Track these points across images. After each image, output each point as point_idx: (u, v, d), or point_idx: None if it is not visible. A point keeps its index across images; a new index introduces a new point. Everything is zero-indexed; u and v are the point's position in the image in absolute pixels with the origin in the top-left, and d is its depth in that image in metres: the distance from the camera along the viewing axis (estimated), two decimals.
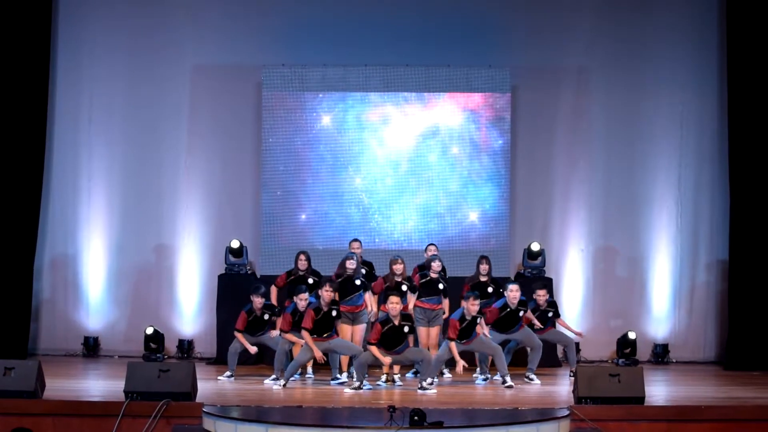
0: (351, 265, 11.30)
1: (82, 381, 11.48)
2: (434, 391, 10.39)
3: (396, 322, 10.49)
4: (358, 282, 11.33)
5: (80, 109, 14.02)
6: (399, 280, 11.28)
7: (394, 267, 11.31)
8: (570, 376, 11.22)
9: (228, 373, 11.34)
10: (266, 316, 11.37)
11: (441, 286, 11.42)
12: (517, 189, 13.93)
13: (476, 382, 11.19)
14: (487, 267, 11.72)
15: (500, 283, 11.75)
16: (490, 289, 11.66)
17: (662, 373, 12.55)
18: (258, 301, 11.29)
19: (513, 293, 11.06)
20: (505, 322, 11.22)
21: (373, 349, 10.52)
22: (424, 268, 11.67)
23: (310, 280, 11.55)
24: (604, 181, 14.00)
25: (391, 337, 10.50)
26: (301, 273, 11.64)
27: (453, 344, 10.64)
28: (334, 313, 10.75)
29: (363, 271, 11.65)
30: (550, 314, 11.66)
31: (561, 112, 14.00)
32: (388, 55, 13.82)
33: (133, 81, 13.99)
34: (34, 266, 13.53)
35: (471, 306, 10.64)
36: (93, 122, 14.03)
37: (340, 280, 11.23)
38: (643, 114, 13.97)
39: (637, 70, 13.95)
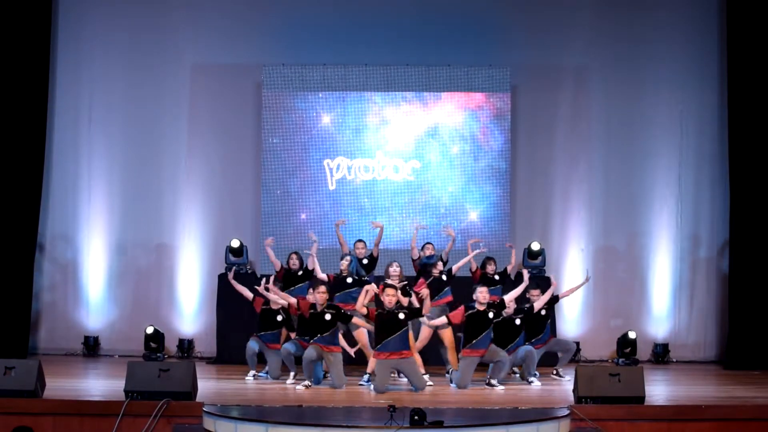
0: (343, 265, 11.56)
1: (82, 380, 11.49)
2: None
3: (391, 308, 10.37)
4: (349, 280, 11.47)
5: (80, 109, 14.03)
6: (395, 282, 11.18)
7: (390, 269, 11.24)
8: (553, 375, 11.47)
9: (252, 372, 11.33)
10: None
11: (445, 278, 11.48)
12: (518, 188, 13.94)
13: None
14: (493, 267, 11.89)
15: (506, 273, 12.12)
16: (497, 277, 11.80)
17: (662, 373, 12.55)
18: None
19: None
20: (502, 332, 10.96)
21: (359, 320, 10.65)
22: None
23: (301, 273, 11.88)
24: (604, 180, 14.01)
25: (386, 322, 10.33)
26: (293, 270, 11.84)
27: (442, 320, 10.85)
28: (327, 317, 10.59)
29: (365, 261, 11.78)
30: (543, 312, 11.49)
31: (561, 112, 14.01)
32: (388, 54, 13.83)
33: (133, 81, 13.99)
34: (35, 266, 13.53)
35: (480, 295, 10.62)
36: (93, 122, 14.03)
37: (335, 277, 11.55)
38: (643, 114, 13.98)
39: (637, 69, 13.96)
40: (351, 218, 13.64)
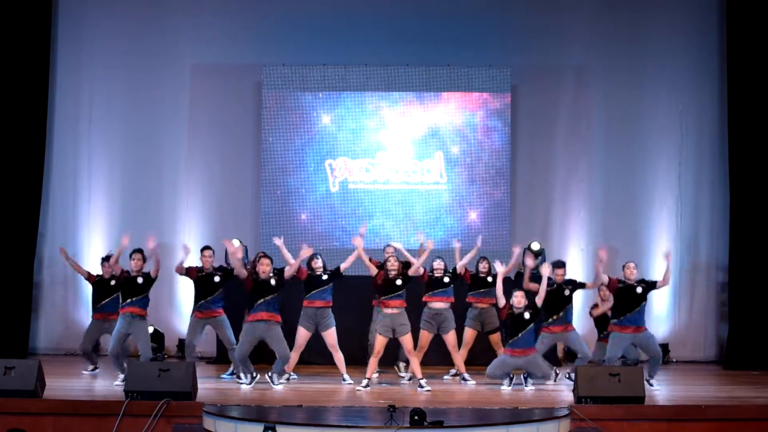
0: (316, 264, 11.10)
1: (82, 380, 11.48)
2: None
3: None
4: (324, 277, 11.07)
5: (80, 109, 14.04)
6: (394, 275, 11.02)
7: (388, 264, 11.07)
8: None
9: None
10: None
11: (447, 279, 11.21)
12: (518, 189, 13.94)
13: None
14: (486, 265, 11.68)
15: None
16: (489, 279, 11.60)
17: (662, 373, 12.50)
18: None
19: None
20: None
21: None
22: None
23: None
24: (604, 180, 14.02)
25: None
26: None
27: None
28: (216, 278, 10.97)
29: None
30: (567, 292, 11.12)
31: (561, 112, 14.02)
32: (388, 55, 13.84)
33: (133, 81, 14.01)
34: (35, 266, 13.55)
35: (515, 299, 10.60)
36: (93, 122, 14.04)
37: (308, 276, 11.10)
38: (643, 114, 13.99)
39: (637, 69, 13.97)
40: (351, 217, 13.65)
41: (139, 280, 10.90)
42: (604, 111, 14.04)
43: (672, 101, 13.99)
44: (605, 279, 10.94)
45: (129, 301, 10.87)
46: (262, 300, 10.56)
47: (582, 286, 11.16)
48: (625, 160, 14.03)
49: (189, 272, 11.10)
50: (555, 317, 10.93)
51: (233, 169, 14.06)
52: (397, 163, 13.71)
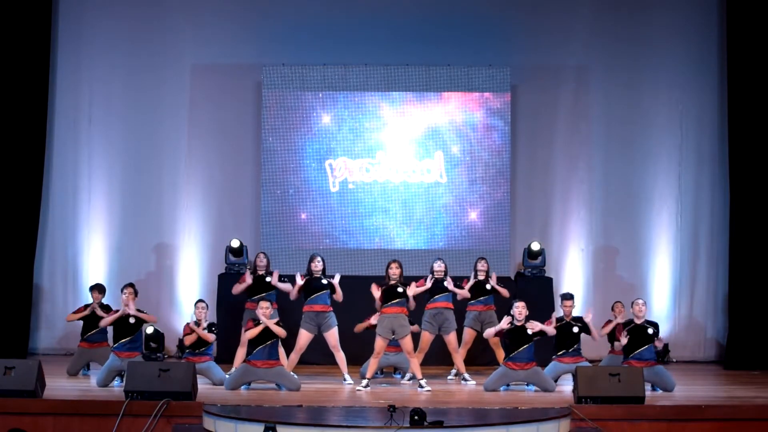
0: (316, 266, 11.09)
1: (82, 380, 11.48)
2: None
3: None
4: (324, 281, 11.05)
5: (80, 109, 14.03)
6: (394, 282, 11.03)
7: (390, 271, 11.04)
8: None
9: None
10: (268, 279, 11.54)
11: (446, 283, 11.19)
12: (517, 189, 13.94)
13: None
14: (485, 265, 11.66)
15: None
16: (488, 286, 11.57)
17: None
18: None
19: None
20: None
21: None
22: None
23: (268, 279, 11.57)
24: (604, 180, 14.01)
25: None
26: (260, 273, 11.58)
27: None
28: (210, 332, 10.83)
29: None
30: (576, 329, 11.11)
31: (561, 112, 14.01)
32: (388, 54, 13.83)
33: (133, 81, 14.00)
34: (35, 266, 13.54)
35: (516, 310, 10.58)
36: (93, 122, 14.04)
37: (306, 278, 11.08)
38: (642, 114, 13.99)
39: (637, 69, 13.96)
40: (351, 217, 13.65)
41: (131, 320, 10.74)
42: (604, 111, 14.04)
43: (672, 101, 13.99)
44: (605, 331, 11.19)
45: (121, 342, 10.69)
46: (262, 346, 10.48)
47: (587, 332, 11.12)
48: (625, 160, 14.02)
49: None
50: (565, 351, 11.02)
51: (233, 169, 14.05)
52: (396, 162, 13.70)
